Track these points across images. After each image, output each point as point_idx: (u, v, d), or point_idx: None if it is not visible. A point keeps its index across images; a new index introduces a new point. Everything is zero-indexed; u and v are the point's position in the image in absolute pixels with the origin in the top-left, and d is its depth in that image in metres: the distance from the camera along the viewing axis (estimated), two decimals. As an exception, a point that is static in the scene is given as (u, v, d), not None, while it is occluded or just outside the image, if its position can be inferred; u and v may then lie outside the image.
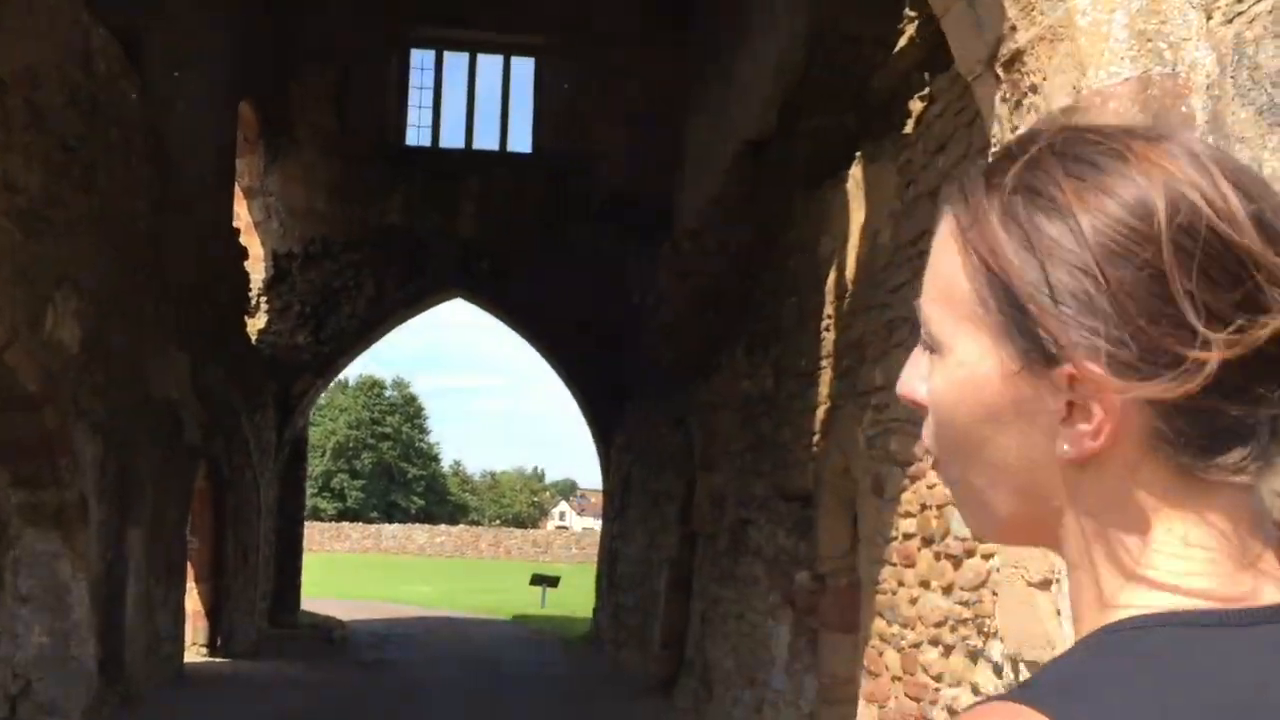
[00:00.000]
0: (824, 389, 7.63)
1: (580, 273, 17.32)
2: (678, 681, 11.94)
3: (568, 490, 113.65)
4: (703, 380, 12.35)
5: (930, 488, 5.48)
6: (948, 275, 0.73)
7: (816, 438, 7.70)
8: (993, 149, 4.58)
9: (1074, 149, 0.70)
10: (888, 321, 6.24)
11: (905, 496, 5.81)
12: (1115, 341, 0.66)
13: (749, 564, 9.55)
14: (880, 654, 6.10)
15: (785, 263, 9.16)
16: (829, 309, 7.68)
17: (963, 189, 0.74)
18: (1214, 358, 0.64)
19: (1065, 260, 0.67)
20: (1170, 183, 0.67)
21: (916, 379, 0.76)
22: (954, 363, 0.73)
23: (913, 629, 5.65)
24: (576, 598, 22.39)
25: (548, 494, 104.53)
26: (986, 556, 4.85)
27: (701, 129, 14.92)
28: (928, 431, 0.76)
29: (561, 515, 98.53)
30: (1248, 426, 0.66)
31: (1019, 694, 0.65)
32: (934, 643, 5.38)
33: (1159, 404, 0.66)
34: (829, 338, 7.65)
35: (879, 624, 6.15)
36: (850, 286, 7.16)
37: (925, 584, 5.52)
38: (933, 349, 0.75)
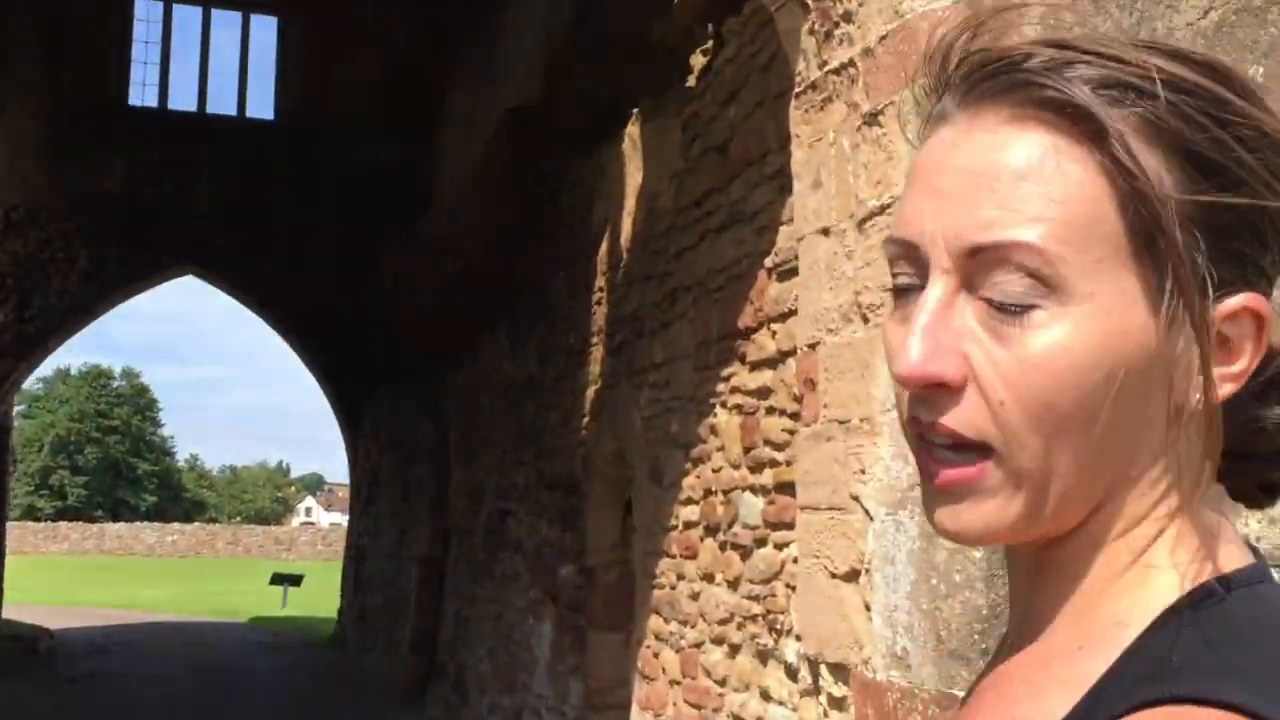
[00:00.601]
0: (595, 368, 7.04)
1: (327, 252, 16.18)
2: (428, 688, 11.13)
3: (315, 485, 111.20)
4: (461, 365, 11.58)
5: (716, 471, 4.96)
6: (1076, 204, 0.60)
7: (586, 421, 7.10)
8: (797, 89, 4.06)
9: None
10: (670, 291, 5.70)
11: (687, 482, 5.27)
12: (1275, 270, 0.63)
13: (509, 559, 8.87)
14: (656, 655, 5.55)
15: (554, 235, 8.53)
16: (601, 281, 7.09)
17: (1064, 99, 0.61)
18: None
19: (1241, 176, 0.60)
20: None
21: (946, 352, 0.61)
22: (1095, 312, 0.60)
23: (694, 627, 5.13)
24: (322, 597, 21.03)
25: (293, 489, 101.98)
26: (780, 546, 4.36)
27: (462, 99, 14.09)
28: (992, 411, 0.61)
29: (308, 511, 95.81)
30: None
31: (1187, 690, 0.56)
32: (718, 642, 4.86)
33: None
34: (601, 312, 7.06)
35: (655, 622, 5.60)
36: (625, 255, 6.59)
37: (709, 577, 5.00)
38: (1039, 301, 0.60)
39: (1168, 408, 0.62)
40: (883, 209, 3.43)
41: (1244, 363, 0.62)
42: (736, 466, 4.76)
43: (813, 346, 3.89)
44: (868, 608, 3.59)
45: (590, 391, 7.07)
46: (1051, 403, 0.60)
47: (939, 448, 0.63)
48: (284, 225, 16.11)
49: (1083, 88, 0.61)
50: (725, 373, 4.93)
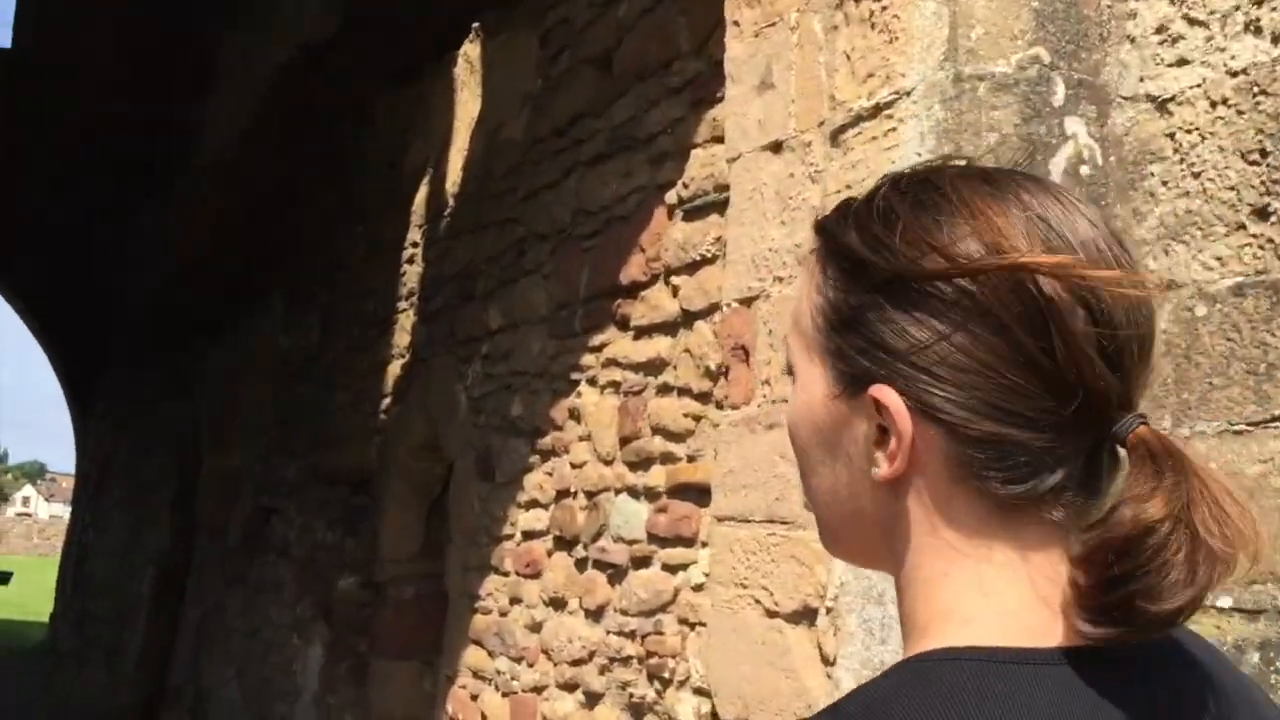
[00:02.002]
0: (402, 339, 5.79)
1: (65, 210, 14.03)
2: (158, 714, 9.45)
3: (36, 473, 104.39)
4: (218, 340, 9.99)
5: (577, 467, 3.85)
6: (798, 304, 0.77)
7: (386, 403, 5.84)
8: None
9: (915, 191, 0.73)
10: (516, 242, 4.55)
11: (531, 479, 4.14)
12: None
13: (271, 565, 7.45)
14: (475, 697, 4.37)
15: (349, 186, 7.20)
16: (416, 235, 5.86)
17: (826, 227, 0.77)
18: None
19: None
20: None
21: None
22: (799, 386, 0.77)
23: (532, 665, 3.99)
24: (36, 598, 18.47)
25: (10, 476, 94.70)
26: (673, 568, 3.30)
27: (239, 42, 12.40)
28: None
29: (26, 501, 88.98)
30: (1057, 456, 0.68)
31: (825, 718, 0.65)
32: (569, 687, 3.75)
33: (960, 432, 0.68)
34: (413, 272, 5.82)
35: (475, 655, 4.42)
36: (451, 203, 5.40)
37: (559, 603, 3.88)
38: (791, 374, 0.77)
39: (859, 475, 0.73)
40: (875, 110, 2.45)
41: (892, 447, 0.70)
42: (608, 461, 3.67)
43: (747, 302, 2.85)
44: (828, 661, 2.58)
45: (394, 367, 5.82)
46: (799, 450, 0.78)
47: None
48: (12, 176, 13.86)
49: (819, 243, 0.77)
50: (596, 341, 3.84)
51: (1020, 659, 0.65)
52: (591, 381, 3.81)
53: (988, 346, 0.67)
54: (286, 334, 8.19)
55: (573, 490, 3.82)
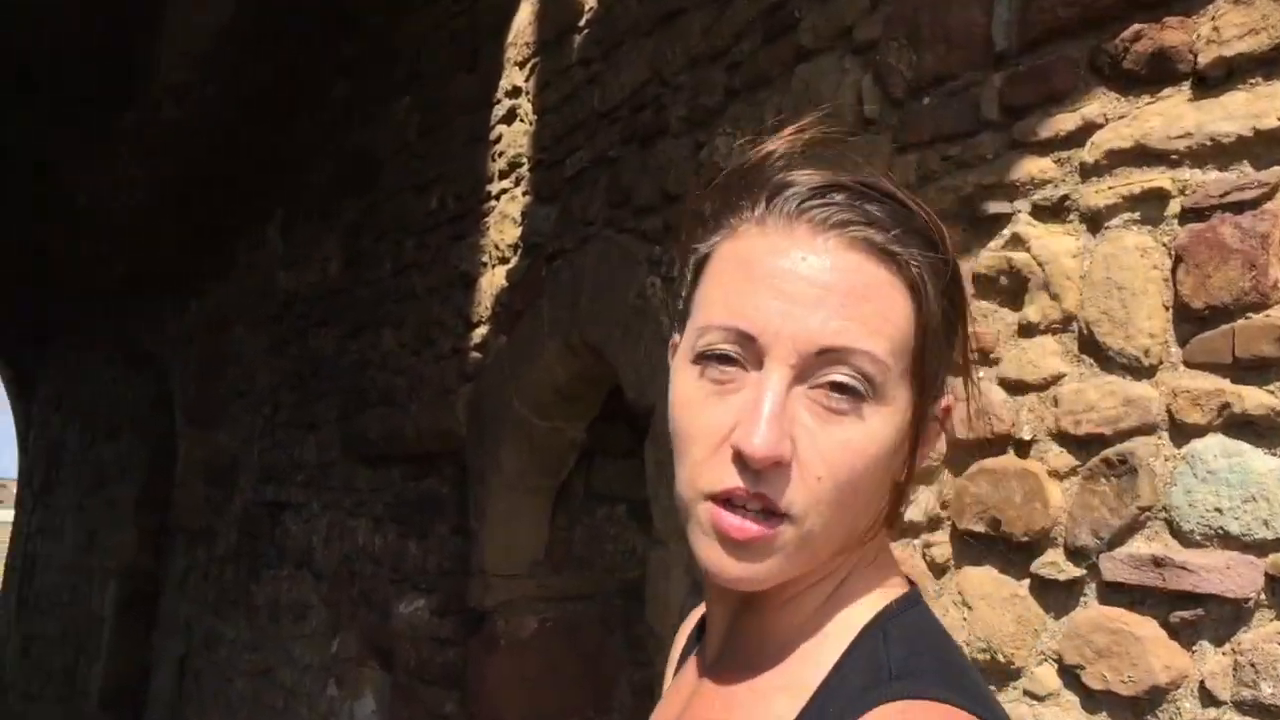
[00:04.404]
0: (502, 232, 3.76)
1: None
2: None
3: None
4: (189, 294, 7.89)
5: (1025, 389, 1.87)
6: (900, 327, 0.75)
7: (482, 333, 3.80)
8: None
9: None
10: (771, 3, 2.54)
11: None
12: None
13: (286, 581, 5.40)
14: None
15: (378, 55, 5.15)
16: (517, 77, 3.82)
17: (893, 251, 0.76)
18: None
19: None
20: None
21: (784, 435, 0.73)
22: (894, 412, 0.75)
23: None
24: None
25: None
26: None
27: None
28: (806, 485, 0.73)
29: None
30: None
31: (910, 689, 0.71)
32: None
33: None
34: (514, 132, 3.79)
35: None
36: (594, 1, 3.36)
37: (1004, 671, 1.89)
38: (863, 398, 0.74)
39: (889, 482, 0.78)
40: None
41: (939, 444, 0.88)
42: (1146, 369, 1.69)
43: None
44: None
45: (490, 278, 3.79)
46: (854, 481, 0.74)
47: (748, 510, 0.73)
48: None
49: (898, 234, 0.75)
50: (1057, 126, 1.86)
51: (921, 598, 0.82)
52: (1054, 209, 1.82)
53: None
54: (289, 270, 6.12)
55: (1024, 434, 1.82)
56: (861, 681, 0.72)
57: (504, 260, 3.72)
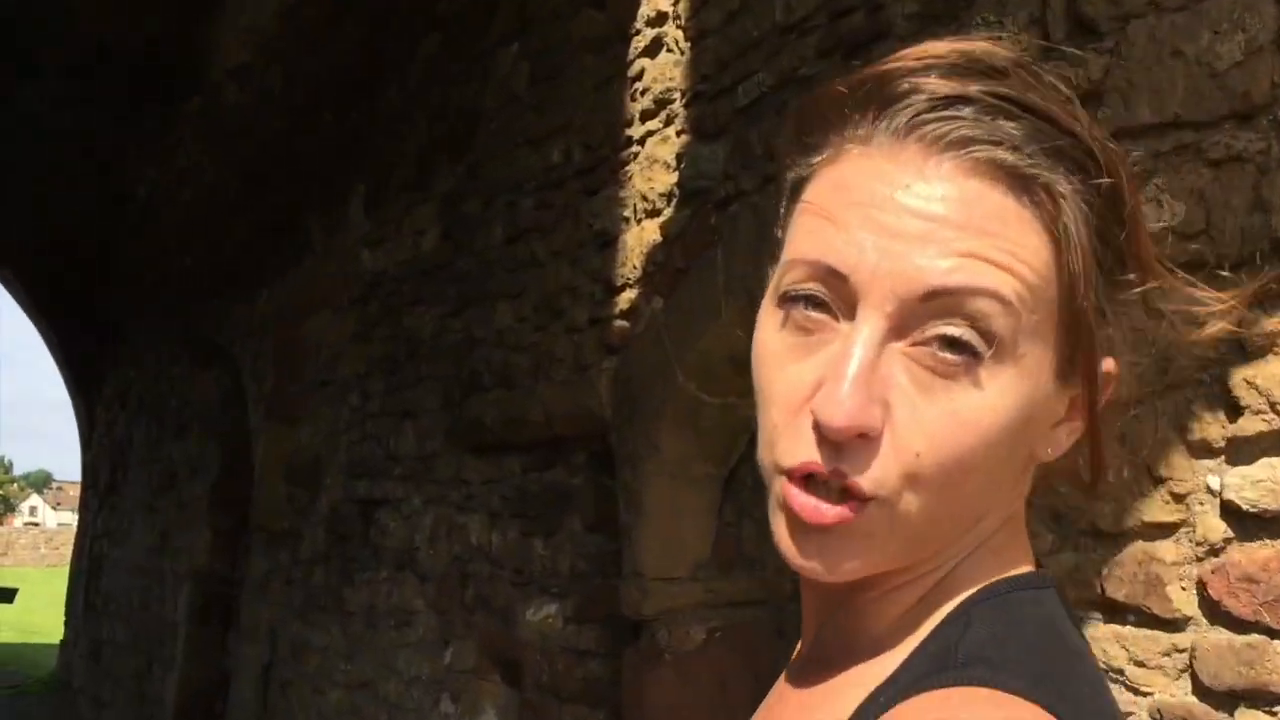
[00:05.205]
0: (649, 180, 3.24)
1: (46, 159, 11.41)
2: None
3: (41, 482, 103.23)
4: (259, 284, 7.46)
5: None
6: (1033, 267, 0.61)
7: (630, 298, 3.28)
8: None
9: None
10: None
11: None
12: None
13: (385, 584, 4.92)
14: None
15: (479, 8, 4.66)
16: (663, 2, 3.30)
17: (1030, 174, 0.61)
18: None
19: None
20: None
21: (874, 402, 0.59)
22: (1022, 374, 0.61)
23: None
24: (49, 615, 15.92)
25: (15, 486, 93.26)
26: None
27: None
28: (900, 461, 0.59)
29: (33, 511, 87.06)
30: None
31: (970, 676, 0.58)
32: None
33: None
34: (659, 65, 3.27)
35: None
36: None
37: None
38: (978, 356, 0.60)
39: (1023, 460, 0.64)
40: None
41: (1076, 420, 0.66)
42: None
43: None
44: None
45: (636, 235, 3.27)
46: (965, 459, 0.60)
47: (830, 490, 0.61)
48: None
49: (1036, 155, 0.60)
50: None
51: (1050, 582, 0.67)
52: None
53: None
54: (374, 249, 5.65)
55: None
56: (926, 668, 0.61)
57: (654, 212, 3.20)
